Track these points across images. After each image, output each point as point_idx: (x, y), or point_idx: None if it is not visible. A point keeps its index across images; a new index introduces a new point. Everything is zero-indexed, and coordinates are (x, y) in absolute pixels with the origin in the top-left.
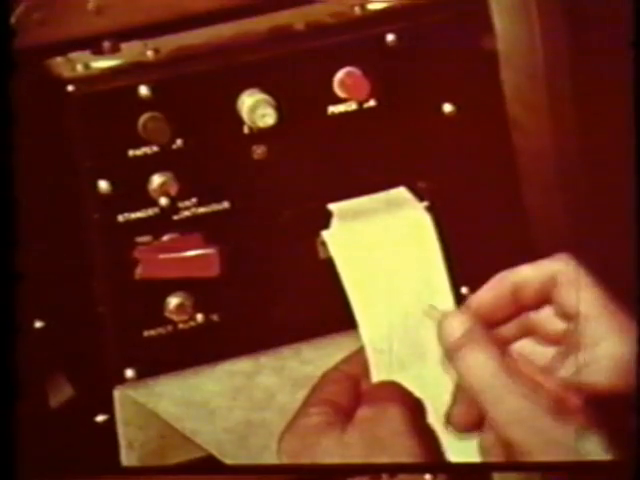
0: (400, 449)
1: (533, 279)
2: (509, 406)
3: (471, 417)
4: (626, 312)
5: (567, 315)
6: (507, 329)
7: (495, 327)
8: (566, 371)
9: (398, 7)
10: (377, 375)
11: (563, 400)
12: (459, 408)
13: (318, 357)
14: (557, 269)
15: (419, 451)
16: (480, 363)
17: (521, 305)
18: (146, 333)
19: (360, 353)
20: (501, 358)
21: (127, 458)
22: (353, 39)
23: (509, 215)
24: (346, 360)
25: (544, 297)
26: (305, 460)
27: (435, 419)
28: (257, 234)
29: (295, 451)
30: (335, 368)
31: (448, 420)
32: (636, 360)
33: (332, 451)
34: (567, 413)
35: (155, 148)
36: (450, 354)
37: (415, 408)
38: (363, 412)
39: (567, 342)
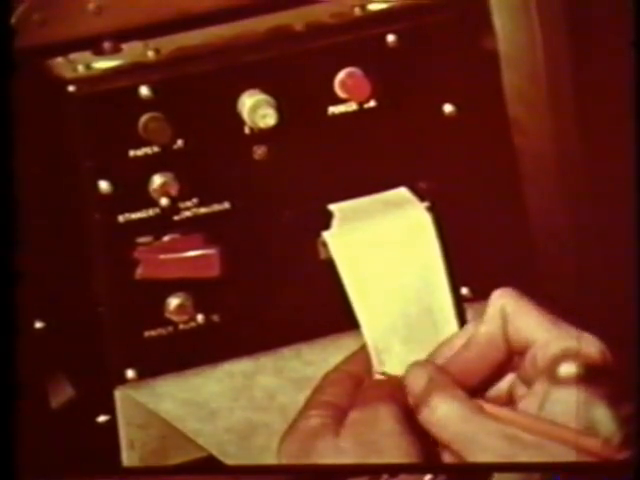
0: (394, 450)
1: (493, 334)
2: (488, 449)
3: None
4: (578, 328)
5: (522, 345)
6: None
7: (480, 391)
8: (528, 403)
9: (398, 8)
10: (379, 374)
11: (541, 431)
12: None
13: (319, 358)
14: (502, 304)
15: (413, 450)
16: (445, 412)
17: (498, 365)
18: (147, 333)
19: (362, 352)
20: (467, 402)
21: (128, 458)
22: (353, 40)
23: (510, 216)
24: (348, 360)
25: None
26: (304, 463)
27: None
28: (258, 234)
29: (293, 454)
30: (337, 369)
31: None
32: (636, 360)
33: (327, 455)
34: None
35: (156, 148)
36: (417, 408)
37: (406, 406)
38: (354, 415)
39: (525, 371)
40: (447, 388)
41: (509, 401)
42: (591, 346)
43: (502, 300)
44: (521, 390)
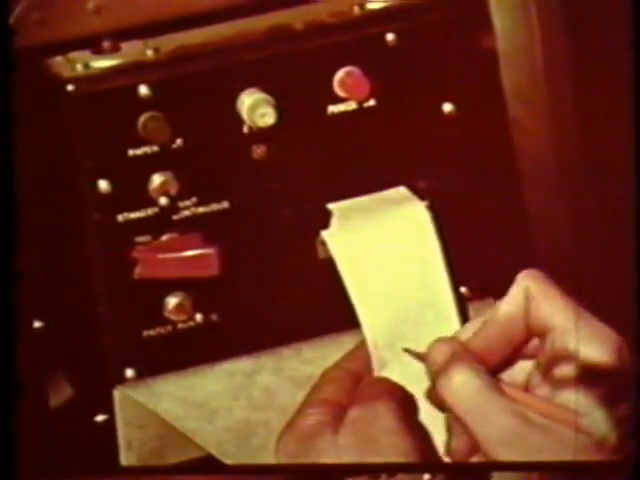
0: (393, 448)
1: (515, 314)
2: (499, 425)
3: (469, 448)
4: (600, 320)
5: (542, 329)
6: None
7: (499, 370)
8: (545, 388)
9: (398, 6)
10: (378, 371)
11: (554, 416)
12: (456, 441)
13: (318, 357)
14: (527, 285)
15: (412, 449)
16: (463, 382)
17: (518, 345)
18: (145, 333)
19: (361, 349)
20: (486, 377)
21: (126, 458)
22: (353, 38)
23: (509, 214)
24: (347, 357)
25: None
26: (302, 461)
27: (428, 416)
28: (257, 234)
29: (292, 452)
30: (336, 366)
31: (448, 454)
32: (636, 359)
33: (326, 453)
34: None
35: (155, 148)
36: (435, 381)
37: (405, 404)
38: (353, 412)
39: (543, 357)
40: (468, 361)
41: (525, 390)
42: (604, 344)
43: (527, 281)
44: (537, 379)
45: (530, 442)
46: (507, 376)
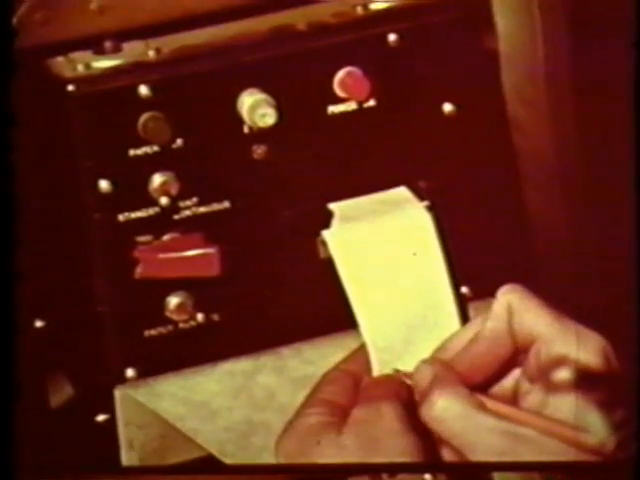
0: (396, 448)
1: (500, 329)
2: (488, 446)
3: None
4: (585, 327)
5: (527, 340)
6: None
7: (487, 386)
8: (534, 395)
9: (400, 7)
10: (378, 374)
11: (545, 429)
12: (448, 454)
13: (318, 357)
14: (508, 300)
15: (415, 449)
16: (445, 408)
17: (505, 361)
18: (146, 333)
19: (361, 351)
20: (469, 399)
21: (127, 458)
22: (354, 39)
23: (509, 215)
24: (346, 359)
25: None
26: (302, 461)
27: None
28: (257, 234)
29: (292, 452)
30: (335, 368)
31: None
32: (636, 360)
33: (329, 452)
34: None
35: (156, 148)
36: (420, 404)
37: (409, 404)
38: (357, 412)
39: (530, 367)
40: (449, 384)
41: (514, 397)
42: (590, 349)
43: (508, 296)
44: (525, 387)
45: (522, 457)
46: (496, 385)
